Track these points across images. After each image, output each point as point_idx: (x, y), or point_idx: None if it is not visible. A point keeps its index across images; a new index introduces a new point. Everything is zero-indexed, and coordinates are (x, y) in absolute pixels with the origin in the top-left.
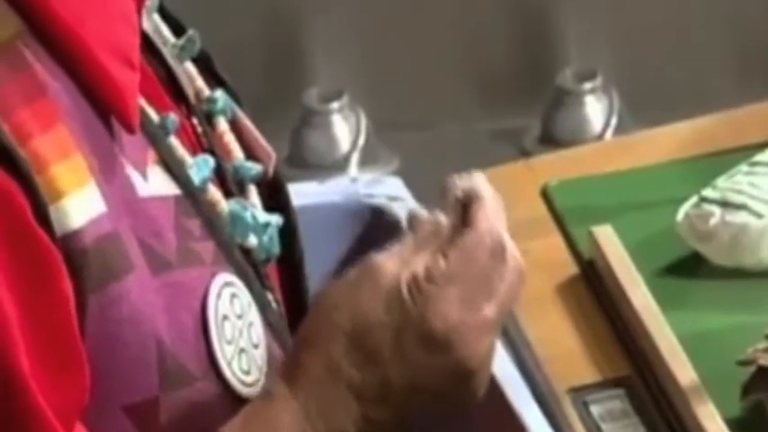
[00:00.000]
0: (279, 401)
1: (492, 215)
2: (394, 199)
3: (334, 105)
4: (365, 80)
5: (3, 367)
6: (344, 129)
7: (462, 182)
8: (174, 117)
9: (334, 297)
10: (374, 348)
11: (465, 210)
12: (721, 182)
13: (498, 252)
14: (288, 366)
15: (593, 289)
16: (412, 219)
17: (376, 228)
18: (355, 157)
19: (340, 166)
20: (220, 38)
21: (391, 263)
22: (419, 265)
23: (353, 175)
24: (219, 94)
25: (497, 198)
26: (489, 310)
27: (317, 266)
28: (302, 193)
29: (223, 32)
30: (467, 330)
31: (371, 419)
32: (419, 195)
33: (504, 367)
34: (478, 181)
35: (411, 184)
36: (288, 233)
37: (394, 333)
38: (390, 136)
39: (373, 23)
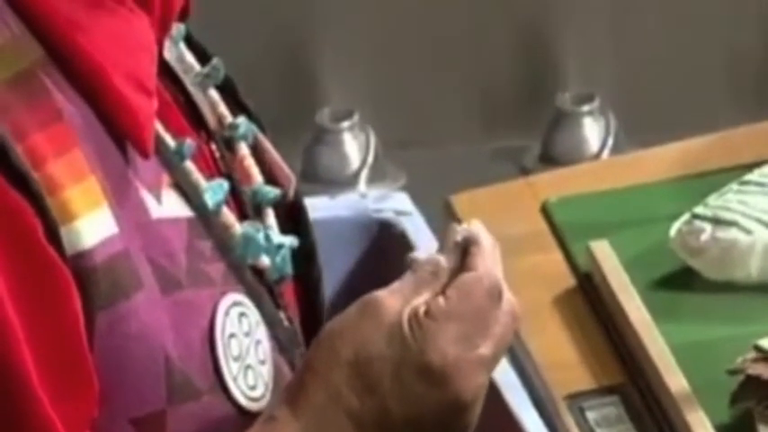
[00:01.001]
0: (282, 424)
1: (489, 260)
2: (401, 213)
3: (345, 124)
4: (374, 101)
5: (12, 382)
6: (354, 147)
7: (463, 229)
8: (190, 142)
9: (339, 328)
10: (375, 379)
11: (464, 254)
12: (712, 200)
13: (495, 294)
14: (292, 391)
15: (589, 301)
16: (412, 261)
17: (384, 240)
18: (365, 174)
19: (350, 182)
20: (238, 61)
21: (393, 299)
22: (420, 302)
23: (363, 190)
24: (241, 120)
25: (495, 245)
26: (485, 348)
27: (328, 276)
28: (314, 207)
29: (240, 56)
30: (463, 366)
31: None
32: (425, 210)
33: (504, 374)
34: (478, 229)
35: (417, 199)
36: (307, 253)
37: (394, 365)
38: (398, 154)
39: (382, 48)
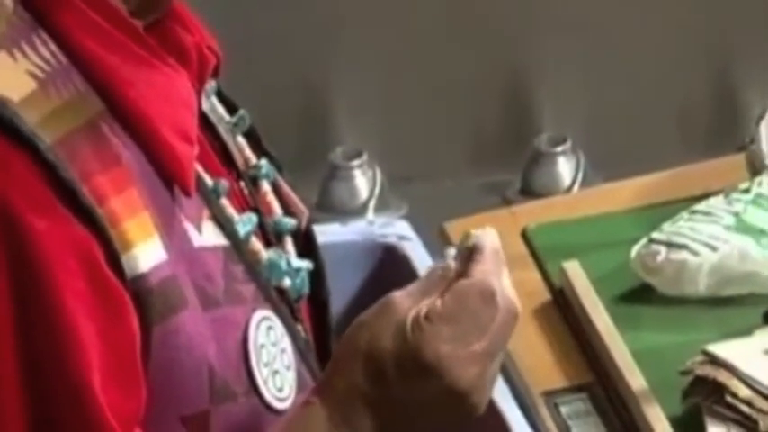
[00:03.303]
0: (312, 411)
1: (488, 266)
2: (403, 239)
3: (355, 162)
4: (380, 143)
5: (77, 384)
6: (363, 181)
7: (475, 235)
8: (224, 182)
9: (361, 322)
10: (382, 369)
11: (466, 260)
12: (667, 226)
13: (487, 297)
14: (320, 383)
15: (563, 313)
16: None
17: (388, 262)
18: (372, 205)
19: (359, 211)
20: (263, 109)
21: (406, 300)
22: (424, 304)
23: (370, 218)
24: (264, 162)
25: (498, 251)
26: (479, 345)
27: (339, 292)
28: (328, 232)
29: (266, 105)
30: (455, 361)
31: (385, 428)
32: (423, 236)
33: None
34: (486, 235)
35: (417, 226)
36: (317, 277)
37: (396, 359)
38: (400, 187)
39: (387, 98)
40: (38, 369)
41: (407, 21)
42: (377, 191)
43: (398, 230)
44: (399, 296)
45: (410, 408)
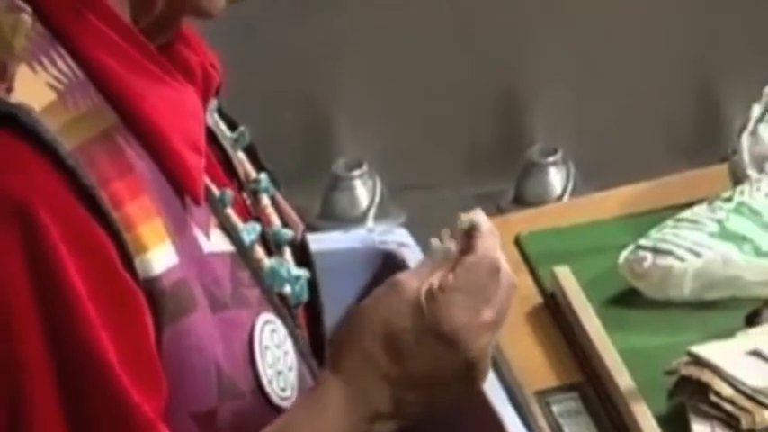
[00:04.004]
0: (326, 386)
1: (489, 243)
2: (402, 245)
3: (356, 173)
4: (380, 154)
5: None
6: (364, 191)
7: (467, 218)
8: (230, 192)
9: (370, 304)
10: (402, 345)
11: (468, 239)
12: (653, 233)
13: (494, 270)
14: (332, 359)
15: (554, 315)
16: (432, 247)
17: (387, 268)
18: (372, 213)
19: (360, 219)
20: (267, 121)
21: (413, 279)
22: (434, 280)
23: (370, 226)
24: (263, 176)
25: (494, 230)
26: (487, 314)
27: (340, 298)
28: (331, 240)
29: (269, 117)
30: (469, 329)
31: (402, 400)
32: (421, 243)
33: None
34: (479, 217)
35: (415, 234)
36: (311, 285)
37: (416, 333)
38: (399, 197)
39: (386, 112)
40: (68, 368)
41: (406, 40)
42: (377, 200)
43: (397, 238)
44: (407, 276)
45: (426, 380)
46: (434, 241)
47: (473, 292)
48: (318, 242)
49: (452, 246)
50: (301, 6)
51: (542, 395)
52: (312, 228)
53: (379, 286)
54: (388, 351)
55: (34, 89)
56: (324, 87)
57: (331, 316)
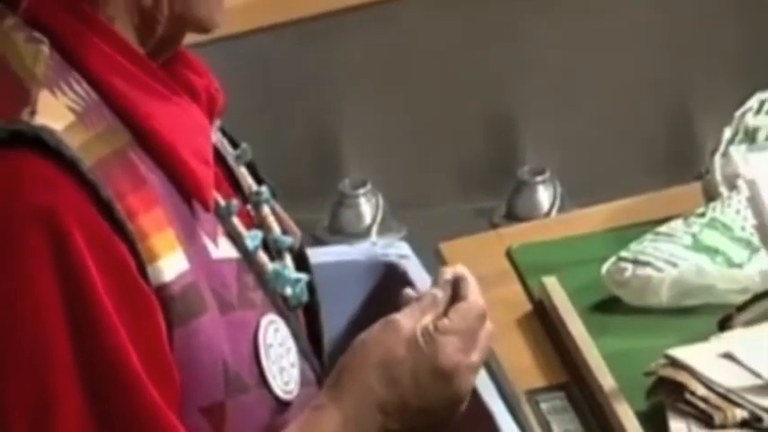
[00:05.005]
0: (327, 411)
1: (477, 292)
2: (402, 257)
3: (361, 191)
4: (383, 174)
5: (128, 377)
6: (368, 208)
7: (450, 270)
8: (235, 202)
9: (368, 338)
10: (398, 378)
11: (455, 287)
12: (633, 246)
13: (483, 317)
14: (332, 386)
15: (542, 321)
16: (406, 295)
17: (389, 279)
18: (375, 228)
19: (364, 233)
20: (280, 144)
21: (407, 319)
22: (426, 321)
23: (373, 240)
24: (264, 188)
25: (474, 281)
26: (475, 356)
27: (345, 307)
28: (337, 252)
29: (282, 141)
30: (462, 369)
31: (390, 430)
32: (420, 255)
33: (480, 376)
34: (462, 270)
35: (415, 246)
36: (309, 290)
37: (412, 368)
38: (400, 213)
39: (388, 134)
40: (94, 372)
41: (405, 70)
42: (379, 216)
43: (398, 250)
44: (400, 317)
45: (416, 409)
46: (409, 291)
47: (465, 336)
48: (326, 255)
49: (438, 293)
50: (309, 38)
51: (532, 394)
52: (320, 241)
53: (376, 323)
54: (384, 380)
55: (55, 112)
56: (331, 114)
57: (337, 321)
